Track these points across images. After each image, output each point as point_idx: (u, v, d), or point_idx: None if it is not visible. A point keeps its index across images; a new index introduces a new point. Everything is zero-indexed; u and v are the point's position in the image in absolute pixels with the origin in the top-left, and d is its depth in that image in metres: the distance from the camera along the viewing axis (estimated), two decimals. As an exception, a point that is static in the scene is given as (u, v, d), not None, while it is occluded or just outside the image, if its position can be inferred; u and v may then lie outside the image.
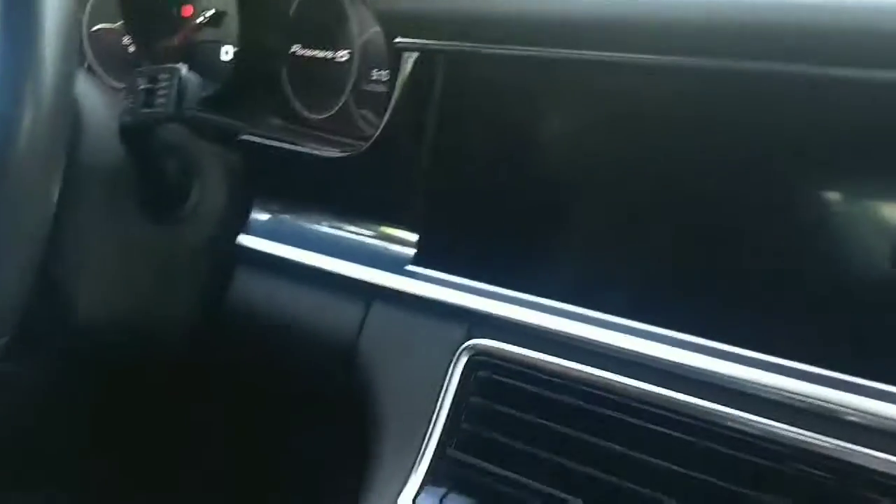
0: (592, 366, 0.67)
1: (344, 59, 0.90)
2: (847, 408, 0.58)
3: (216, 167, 0.88)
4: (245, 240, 0.88)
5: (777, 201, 0.61)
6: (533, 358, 0.69)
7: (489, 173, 0.75)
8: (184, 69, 0.72)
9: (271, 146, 0.88)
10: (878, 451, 0.56)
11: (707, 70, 0.62)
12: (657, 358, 0.65)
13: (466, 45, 0.73)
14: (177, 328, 0.89)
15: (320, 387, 0.91)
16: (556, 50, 0.68)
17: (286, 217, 0.89)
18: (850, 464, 0.57)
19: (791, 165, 0.61)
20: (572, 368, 0.68)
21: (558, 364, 0.68)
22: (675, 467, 0.62)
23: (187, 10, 1.01)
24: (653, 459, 0.63)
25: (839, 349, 0.59)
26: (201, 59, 1.00)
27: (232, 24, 0.97)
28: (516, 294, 0.72)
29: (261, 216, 0.90)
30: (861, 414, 0.57)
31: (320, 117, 0.92)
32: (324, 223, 0.87)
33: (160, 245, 0.85)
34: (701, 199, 0.64)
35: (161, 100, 0.71)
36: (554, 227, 0.71)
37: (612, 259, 0.69)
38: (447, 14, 0.73)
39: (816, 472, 0.58)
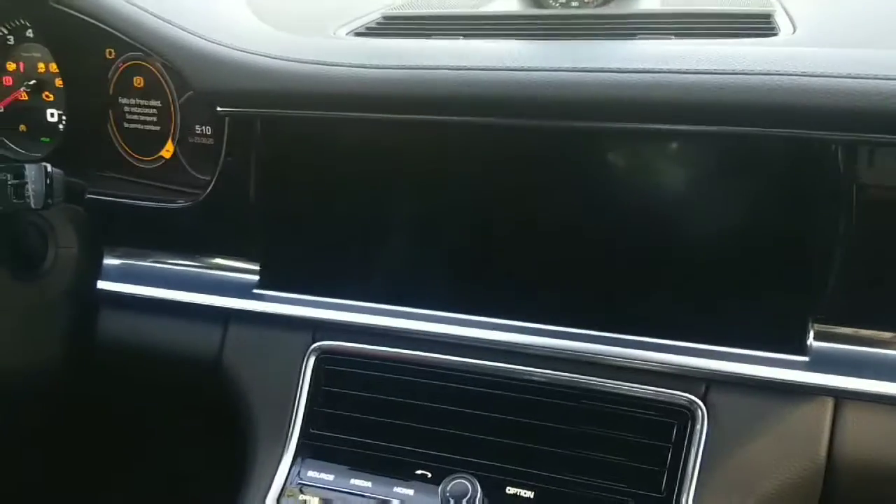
0: (415, 350, 0.89)
1: (167, 116, 1.03)
2: (602, 355, 0.83)
3: (66, 224, 1.01)
4: (104, 285, 1.02)
5: (531, 215, 0.85)
6: (367, 350, 0.91)
7: (310, 206, 0.93)
8: (49, 165, 0.85)
9: (115, 201, 1.01)
10: (628, 382, 0.82)
11: (452, 124, 0.84)
12: (458, 336, 0.88)
13: (276, 111, 0.90)
14: (47, 370, 1.01)
15: (193, 400, 1.07)
16: (345, 113, 0.88)
17: (138, 260, 1.03)
18: (610, 394, 0.83)
19: (531, 185, 0.84)
20: (398, 353, 0.90)
21: (387, 352, 0.90)
22: (484, 413, 0.85)
23: (8, 80, 1.10)
24: (466, 410, 0.86)
25: (590, 314, 0.84)
26: (30, 122, 1.09)
27: (54, 88, 1.07)
28: (347, 301, 0.92)
29: (114, 262, 1.04)
30: (613, 358, 0.83)
31: (152, 167, 1.05)
32: (172, 262, 1.02)
33: (22, 300, 0.97)
34: (474, 220, 0.87)
35: (30, 192, 0.83)
36: (369, 245, 0.91)
37: (418, 266, 0.91)
38: (255, 90, 0.89)
39: (587, 402, 0.83)
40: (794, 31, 0.87)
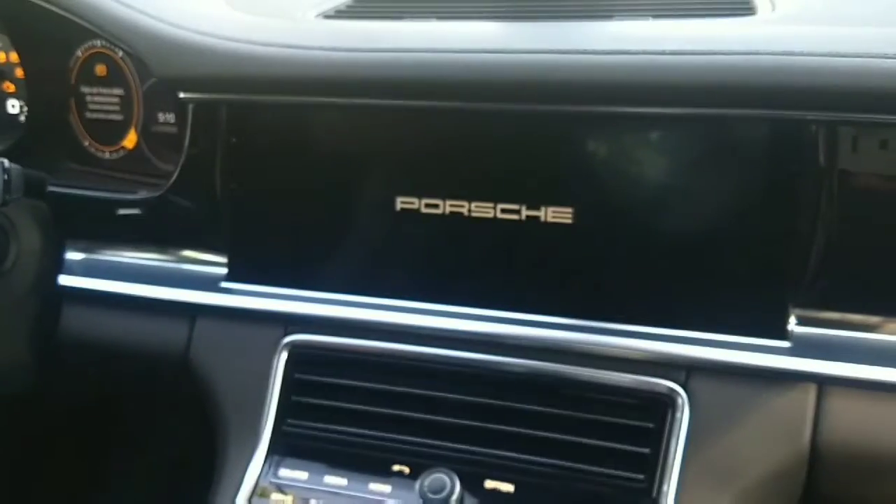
0: (390, 342, 0.87)
1: (129, 105, 0.99)
2: (581, 343, 0.81)
3: (28, 221, 0.97)
4: (67, 280, 0.98)
5: (505, 202, 0.82)
6: (340, 343, 0.88)
7: (278, 195, 0.90)
8: (6, 161, 0.81)
9: (78, 194, 0.97)
10: (608, 371, 0.80)
11: (425, 109, 0.83)
12: (434, 327, 0.86)
13: (242, 97, 0.87)
14: (10, 370, 0.98)
15: (161, 399, 1.04)
16: (314, 98, 0.85)
17: (102, 254, 1.00)
18: (589, 383, 0.81)
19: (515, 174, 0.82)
20: (373, 346, 0.87)
21: (361, 345, 0.87)
22: (462, 407, 0.83)
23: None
24: (443, 404, 0.84)
25: (568, 303, 0.82)
26: None
27: (14, 78, 1.03)
28: (319, 294, 0.89)
29: (77, 256, 1.00)
30: (592, 347, 0.81)
31: (115, 158, 1.02)
32: (137, 256, 0.99)
33: None
34: (447, 208, 0.84)
35: None
36: (341, 236, 0.88)
37: (392, 257, 0.88)
38: (219, 74, 0.86)
39: (566, 392, 0.81)
40: (773, 9, 0.85)
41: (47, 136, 1.02)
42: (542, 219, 0.81)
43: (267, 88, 0.85)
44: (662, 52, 0.74)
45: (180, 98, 0.89)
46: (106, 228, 0.99)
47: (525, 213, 0.82)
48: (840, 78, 0.70)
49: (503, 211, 0.82)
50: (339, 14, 0.98)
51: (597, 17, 0.88)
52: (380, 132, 0.85)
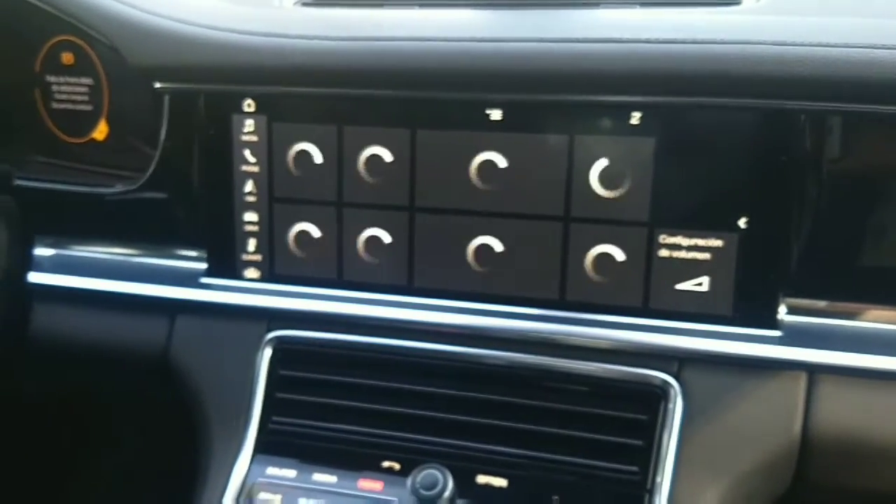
0: (376, 337, 0.85)
1: (99, 94, 0.95)
2: (574, 336, 0.81)
3: None
4: (36, 277, 0.95)
5: (495, 191, 0.81)
6: (325, 339, 0.86)
7: (258, 186, 0.88)
8: None
9: (45, 187, 0.93)
10: (601, 363, 0.80)
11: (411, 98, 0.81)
12: (422, 322, 0.84)
13: (221, 87, 0.84)
14: None
15: (140, 399, 1.01)
16: (295, 88, 0.83)
17: (73, 250, 0.96)
18: (582, 376, 0.80)
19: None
20: (359, 341, 0.86)
21: (346, 340, 0.86)
22: (453, 402, 0.82)
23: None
24: (433, 399, 0.83)
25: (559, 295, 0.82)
26: None
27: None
28: (302, 289, 0.87)
29: (47, 252, 0.96)
30: (584, 339, 0.80)
31: (85, 150, 0.98)
32: (111, 251, 0.95)
33: None
34: (434, 198, 0.83)
35: None
36: (320, 230, 0.86)
37: (376, 248, 0.86)
38: (197, 63, 0.83)
39: (560, 386, 0.81)
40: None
41: (12, 127, 0.98)
42: (535, 208, 0.80)
43: (247, 78, 0.83)
44: (651, 41, 0.74)
45: (156, 88, 0.86)
46: (78, 223, 0.96)
47: (515, 200, 0.81)
48: (830, 68, 0.70)
49: (493, 198, 0.81)
50: (318, 2, 0.95)
51: (583, 6, 0.87)
52: (359, 120, 0.83)
